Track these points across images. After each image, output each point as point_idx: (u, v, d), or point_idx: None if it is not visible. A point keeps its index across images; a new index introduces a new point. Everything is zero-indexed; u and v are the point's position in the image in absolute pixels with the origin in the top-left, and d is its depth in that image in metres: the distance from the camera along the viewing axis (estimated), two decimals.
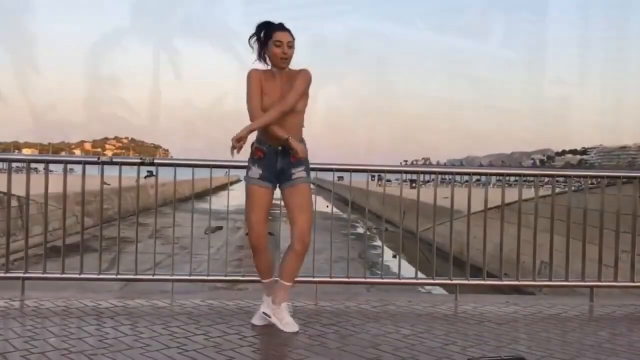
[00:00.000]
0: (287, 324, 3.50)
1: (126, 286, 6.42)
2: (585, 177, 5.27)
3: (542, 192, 5.52)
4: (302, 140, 3.55)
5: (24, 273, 4.41)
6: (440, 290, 9.15)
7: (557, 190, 5.24)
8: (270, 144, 3.49)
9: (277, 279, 3.62)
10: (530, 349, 3.36)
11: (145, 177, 7.94)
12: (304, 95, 3.47)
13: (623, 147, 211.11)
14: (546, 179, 5.87)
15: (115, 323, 3.64)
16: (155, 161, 4.39)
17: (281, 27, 3.41)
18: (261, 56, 3.49)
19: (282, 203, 3.74)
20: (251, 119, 3.44)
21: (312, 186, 3.63)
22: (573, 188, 5.14)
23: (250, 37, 3.47)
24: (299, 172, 3.50)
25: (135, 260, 4.58)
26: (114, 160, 4.46)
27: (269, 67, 3.50)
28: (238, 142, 3.31)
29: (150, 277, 4.55)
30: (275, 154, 3.49)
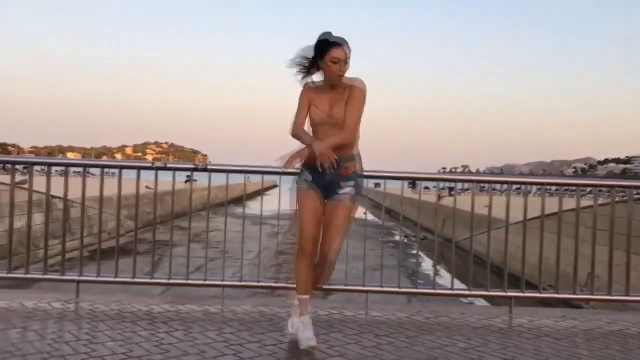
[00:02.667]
0: (304, 338, 3.30)
1: (168, 289, 6.49)
2: None
3: (586, 202, 5.35)
4: (355, 157, 3.41)
5: (79, 276, 4.48)
6: (483, 302, 8.99)
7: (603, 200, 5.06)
8: None
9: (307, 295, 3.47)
10: None
11: (185, 182, 8.04)
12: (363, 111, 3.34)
13: None
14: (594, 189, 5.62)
15: (168, 328, 3.65)
16: (208, 167, 4.41)
17: (338, 43, 3.27)
18: (309, 72, 3.39)
19: None
20: (292, 133, 3.38)
21: (357, 205, 3.45)
22: (617, 198, 4.95)
23: (301, 53, 3.36)
24: (346, 188, 3.36)
25: (187, 265, 4.62)
26: (168, 165, 4.49)
27: (321, 80, 3.41)
28: (289, 163, 3.26)
29: (202, 282, 4.56)
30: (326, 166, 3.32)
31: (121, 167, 4.56)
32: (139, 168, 4.54)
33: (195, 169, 4.33)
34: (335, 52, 3.24)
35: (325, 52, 3.25)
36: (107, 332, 3.52)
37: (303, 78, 3.42)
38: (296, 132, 3.36)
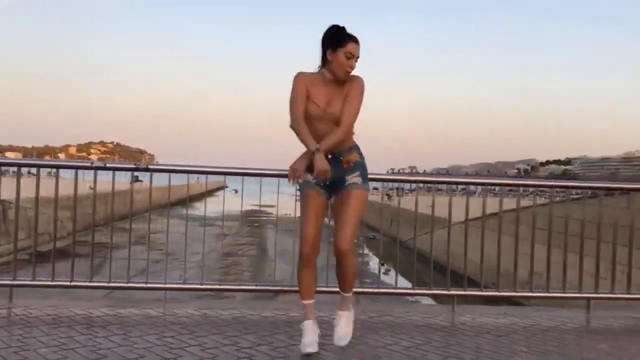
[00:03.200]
0: (340, 337, 3.32)
1: (111, 293, 6.31)
2: (586, 188, 5.27)
3: (526, 202, 5.52)
4: (353, 148, 3.32)
5: (12, 280, 4.29)
6: (428, 301, 9.14)
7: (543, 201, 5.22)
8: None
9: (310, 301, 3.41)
10: None
11: (131, 183, 7.85)
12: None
13: (606, 158, 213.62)
14: (530, 189, 5.78)
15: (107, 333, 3.54)
16: (150, 167, 4.30)
17: (355, 38, 3.22)
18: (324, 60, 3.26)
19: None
20: (291, 126, 3.25)
21: (367, 194, 3.33)
22: (558, 199, 5.13)
23: (324, 38, 3.24)
24: (352, 179, 3.26)
25: (127, 268, 4.49)
26: (108, 165, 4.35)
27: (321, 70, 3.29)
28: (295, 174, 3.18)
29: (143, 285, 4.44)
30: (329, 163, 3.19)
31: (58, 167, 4.41)
32: (77, 168, 4.38)
33: (137, 169, 4.22)
34: (352, 47, 3.19)
35: (340, 45, 3.18)
36: (41, 338, 3.38)
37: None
38: (298, 128, 3.21)
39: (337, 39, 3.19)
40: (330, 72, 3.24)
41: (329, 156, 3.20)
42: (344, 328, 3.34)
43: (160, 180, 4.55)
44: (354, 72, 3.26)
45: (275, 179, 4.60)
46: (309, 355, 3.20)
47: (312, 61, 3.34)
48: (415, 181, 5.19)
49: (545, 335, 4.00)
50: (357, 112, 3.26)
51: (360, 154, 3.37)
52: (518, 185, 5.19)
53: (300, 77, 3.27)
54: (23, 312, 3.95)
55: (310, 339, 3.23)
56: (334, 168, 3.21)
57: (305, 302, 3.38)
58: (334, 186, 3.29)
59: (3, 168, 4.65)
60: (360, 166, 3.32)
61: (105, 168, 4.32)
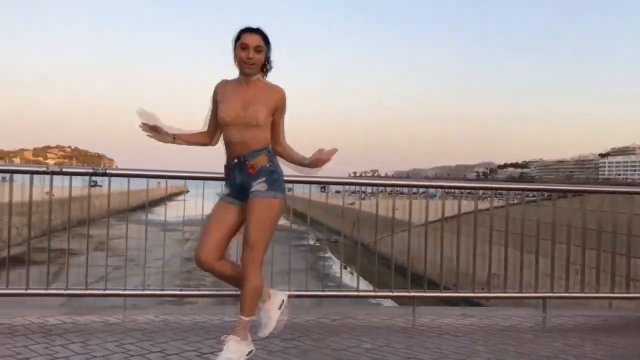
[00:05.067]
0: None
1: (68, 301, 6.18)
2: (545, 190, 5.41)
3: (483, 204, 5.65)
4: (261, 151, 3.06)
5: None
6: (390, 303, 9.24)
7: (500, 203, 5.35)
8: (228, 160, 3.17)
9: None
10: None
11: (91, 187, 7.72)
12: (269, 109, 3.07)
13: (561, 161, 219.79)
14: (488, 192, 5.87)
15: (64, 341, 3.47)
16: (108, 171, 4.23)
17: (251, 29, 3.08)
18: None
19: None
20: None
21: (279, 201, 3.04)
22: (515, 201, 5.27)
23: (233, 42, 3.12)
24: (257, 185, 3.02)
25: (85, 274, 4.40)
26: (64, 170, 4.25)
27: (239, 77, 3.15)
28: (150, 129, 3.17)
29: (102, 292, 4.36)
30: (233, 169, 3.11)
31: (12, 172, 4.29)
32: (33, 172, 4.28)
33: (95, 174, 4.14)
34: (245, 38, 3.04)
35: (236, 41, 3.06)
36: None
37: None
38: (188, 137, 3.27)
39: (235, 39, 3.10)
40: (240, 72, 3.12)
41: (235, 161, 3.09)
42: (225, 352, 2.94)
43: (119, 184, 4.47)
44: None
45: None
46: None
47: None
48: (376, 184, 5.25)
49: (503, 335, 4.10)
50: (266, 111, 3.08)
51: (271, 156, 3.12)
52: (477, 188, 5.31)
53: (218, 84, 3.21)
54: None
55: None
56: (240, 174, 3.07)
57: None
58: (241, 192, 3.08)
59: None
60: (267, 171, 3.06)
61: (61, 173, 4.22)
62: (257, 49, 3.04)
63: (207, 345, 3.48)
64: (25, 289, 4.26)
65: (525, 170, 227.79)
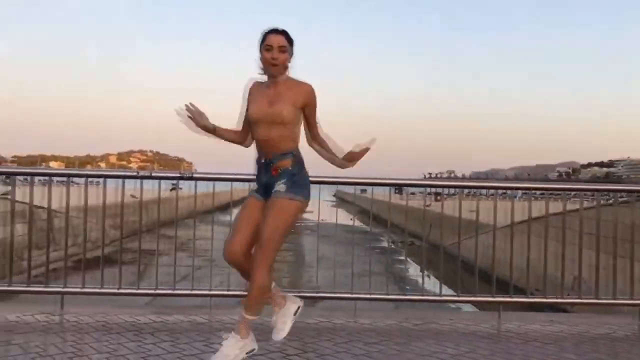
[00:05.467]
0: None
1: (154, 299, 6.43)
2: None
3: (571, 205, 5.38)
4: (287, 154, 3.09)
5: (63, 287, 4.41)
6: (471, 308, 9.03)
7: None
8: (257, 158, 3.20)
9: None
10: None
11: (170, 190, 8.03)
12: (295, 107, 3.09)
13: None
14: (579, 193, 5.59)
15: (155, 339, 3.60)
16: (195, 175, 4.37)
17: (273, 30, 3.13)
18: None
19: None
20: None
21: (297, 203, 3.03)
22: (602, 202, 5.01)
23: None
24: (277, 186, 3.04)
25: (174, 274, 4.57)
26: (154, 175, 4.44)
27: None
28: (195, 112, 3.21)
29: (189, 292, 4.51)
30: (261, 168, 3.16)
31: (105, 177, 4.51)
32: (124, 177, 4.50)
33: (181, 178, 4.29)
34: (269, 39, 3.08)
35: (262, 44, 3.10)
36: (93, 344, 3.46)
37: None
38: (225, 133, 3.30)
39: (260, 41, 3.13)
40: (266, 73, 3.16)
41: (262, 160, 3.13)
42: (224, 349, 2.98)
43: (200, 187, 4.62)
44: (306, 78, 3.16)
45: (316, 186, 4.64)
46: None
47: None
48: (450, 186, 5.14)
49: (596, 343, 3.91)
50: (316, 122, 3.19)
51: (296, 161, 3.12)
52: (552, 189, 5.10)
53: (249, 84, 3.26)
54: (74, 319, 4.06)
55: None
56: (265, 174, 3.12)
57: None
58: (267, 193, 3.11)
59: (52, 178, 4.78)
60: (289, 173, 3.07)
61: (151, 177, 4.42)
62: (281, 49, 3.08)
63: (291, 347, 3.51)
64: (118, 289, 4.47)
65: (611, 169, 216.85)
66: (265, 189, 3.13)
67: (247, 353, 3.04)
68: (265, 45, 3.08)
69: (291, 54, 3.15)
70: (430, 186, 5.43)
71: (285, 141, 3.10)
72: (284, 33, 3.13)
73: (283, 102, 3.06)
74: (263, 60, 3.10)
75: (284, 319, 3.19)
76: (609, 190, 5.29)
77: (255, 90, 3.21)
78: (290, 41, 3.13)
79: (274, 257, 3.05)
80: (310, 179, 4.41)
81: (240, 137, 3.33)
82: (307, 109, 3.14)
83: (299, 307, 3.27)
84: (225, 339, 3.01)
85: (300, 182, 3.09)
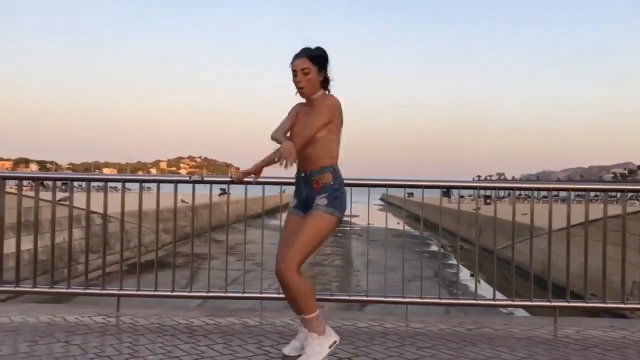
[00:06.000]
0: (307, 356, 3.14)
1: (204, 302, 6.52)
2: None
3: (630, 208, 5.18)
4: (327, 169, 3.18)
5: (119, 290, 4.52)
6: (523, 313, 8.81)
7: None
8: (297, 173, 3.32)
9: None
10: None
11: (219, 195, 8.16)
12: (325, 122, 3.14)
13: None
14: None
15: (208, 341, 3.65)
16: (245, 180, 4.40)
17: (296, 54, 3.21)
18: None
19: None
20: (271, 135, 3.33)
21: (335, 219, 3.14)
22: None
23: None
24: (319, 199, 3.15)
25: (225, 278, 4.63)
26: (205, 179, 4.52)
27: None
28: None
29: (240, 294, 4.56)
30: (300, 182, 3.29)
31: (159, 182, 4.60)
32: (177, 182, 4.59)
33: (232, 182, 4.34)
34: (292, 64, 3.20)
35: (290, 66, 3.22)
36: (148, 345, 3.53)
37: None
38: (275, 135, 3.25)
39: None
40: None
41: (302, 175, 3.25)
42: (307, 350, 3.14)
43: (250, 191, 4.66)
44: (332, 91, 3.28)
45: (365, 189, 4.64)
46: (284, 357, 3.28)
47: None
48: (489, 188, 5.03)
49: None
50: (318, 125, 3.11)
51: (336, 176, 3.21)
52: (609, 190, 4.92)
53: (292, 108, 3.38)
54: (130, 320, 4.15)
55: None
56: (305, 188, 3.24)
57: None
58: (306, 207, 3.22)
59: (107, 184, 4.91)
60: (330, 188, 3.16)
61: (203, 182, 4.50)
62: (304, 72, 3.16)
63: (342, 349, 3.49)
64: (172, 291, 4.56)
65: None
66: (305, 203, 3.23)
67: (329, 347, 3.16)
68: (291, 71, 3.19)
69: (322, 69, 3.21)
70: (477, 188, 5.28)
71: (322, 158, 3.19)
72: (306, 53, 3.19)
73: (312, 120, 3.14)
74: (295, 85, 3.23)
75: (318, 349, 3.14)
76: None
77: (295, 111, 3.34)
78: (315, 58, 3.19)
79: (301, 260, 3.07)
80: (359, 182, 4.41)
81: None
82: (331, 124, 3.17)
83: (335, 342, 3.24)
84: (305, 344, 3.16)
85: (340, 198, 3.19)
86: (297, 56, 3.20)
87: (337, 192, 3.18)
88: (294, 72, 3.17)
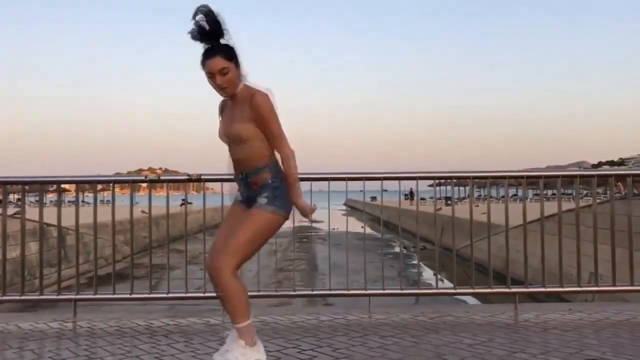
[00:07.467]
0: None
1: (173, 308, 6.42)
2: None
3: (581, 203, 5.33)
4: (262, 169, 2.92)
5: (76, 294, 4.40)
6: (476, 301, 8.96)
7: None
8: (235, 174, 3.05)
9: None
10: (604, 354, 3.18)
11: (181, 205, 8.08)
12: (280, 124, 2.90)
13: None
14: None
15: (169, 341, 3.58)
16: (202, 177, 4.36)
17: (210, 52, 2.83)
18: None
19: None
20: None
21: (278, 218, 2.89)
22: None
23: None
24: (259, 199, 2.90)
25: (185, 279, 4.56)
26: (162, 178, 4.46)
27: None
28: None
29: (201, 294, 4.49)
30: (240, 184, 3.03)
31: (114, 182, 4.53)
32: (133, 181, 4.52)
33: (190, 180, 4.29)
34: (207, 65, 2.82)
35: (203, 70, 2.86)
36: (107, 347, 3.44)
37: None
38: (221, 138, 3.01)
39: (200, 67, 2.87)
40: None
41: (239, 176, 2.99)
42: (227, 355, 2.85)
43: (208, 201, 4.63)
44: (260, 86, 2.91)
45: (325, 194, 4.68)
46: None
47: None
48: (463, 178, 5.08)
49: (617, 329, 3.83)
50: (278, 129, 2.89)
51: (274, 174, 2.94)
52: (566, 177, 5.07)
53: (219, 104, 3.11)
54: (88, 325, 4.05)
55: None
56: (245, 189, 2.99)
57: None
58: (249, 205, 2.96)
59: (63, 198, 4.80)
60: (270, 187, 2.91)
61: (159, 181, 4.44)
62: (223, 72, 2.82)
63: (305, 342, 3.48)
64: (130, 294, 4.47)
65: (622, 167, 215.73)
66: (247, 203, 2.98)
67: None
68: (206, 73, 2.84)
69: (238, 64, 2.88)
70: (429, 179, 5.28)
71: (256, 158, 2.93)
72: (219, 51, 2.84)
73: (238, 120, 2.88)
74: (212, 86, 2.90)
75: (239, 352, 2.84)
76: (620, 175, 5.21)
77: (222, 108, 3.07)
78: (229, 54, 2.85)
79: (238, 261, 2.83)
80: (320, 175, 4.39)
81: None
82: (258, 123, 2.86)
83: None
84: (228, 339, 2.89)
85: (281, 196, 2.92)
86: (207, 56, 2.83)
87: (277, 191, 2.92)
88: (210, 75, 2.83)
